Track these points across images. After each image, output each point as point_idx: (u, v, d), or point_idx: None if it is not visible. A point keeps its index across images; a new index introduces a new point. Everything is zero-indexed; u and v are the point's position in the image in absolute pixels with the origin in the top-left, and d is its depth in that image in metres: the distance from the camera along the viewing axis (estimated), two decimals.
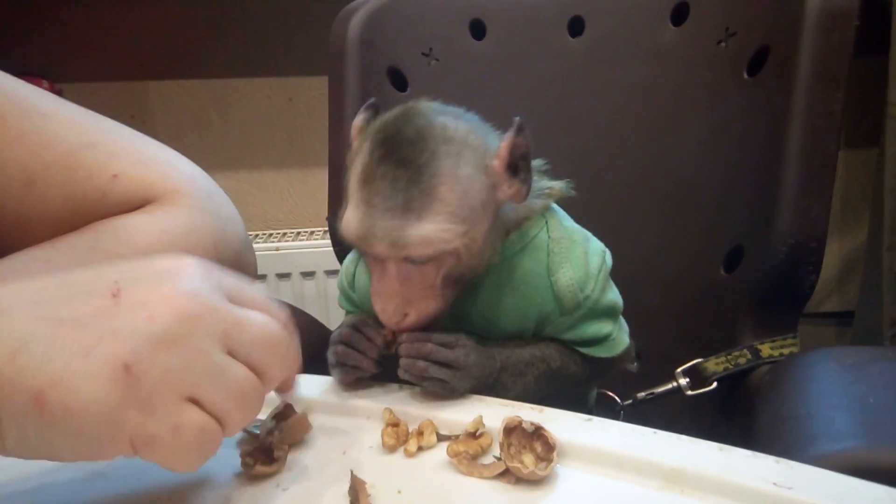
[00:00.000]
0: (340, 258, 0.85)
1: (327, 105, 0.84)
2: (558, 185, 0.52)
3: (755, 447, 0.37)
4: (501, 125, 0.81)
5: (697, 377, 0.64)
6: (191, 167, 0.64)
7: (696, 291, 0.73)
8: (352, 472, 0.36)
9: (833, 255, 1.59)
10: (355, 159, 0.44)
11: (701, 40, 0.73)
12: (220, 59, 1.50)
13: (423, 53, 0.81)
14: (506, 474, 0.36)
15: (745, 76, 0.70)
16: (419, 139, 0.42)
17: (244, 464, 0.37)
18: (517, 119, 0.44)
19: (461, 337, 0.46)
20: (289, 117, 1.54)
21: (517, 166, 0.45)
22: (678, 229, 0.75)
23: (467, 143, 0.44)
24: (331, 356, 0.48)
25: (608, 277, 0.51)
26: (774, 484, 0.33)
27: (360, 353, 0.47)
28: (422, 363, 0.44)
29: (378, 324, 0.47)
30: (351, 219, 0.43)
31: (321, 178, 1.58)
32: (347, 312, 0.56)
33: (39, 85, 1.45)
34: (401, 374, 0.45)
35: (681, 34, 0.74)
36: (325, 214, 0.86)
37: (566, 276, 0.49)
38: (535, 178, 0.49)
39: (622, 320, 0.54)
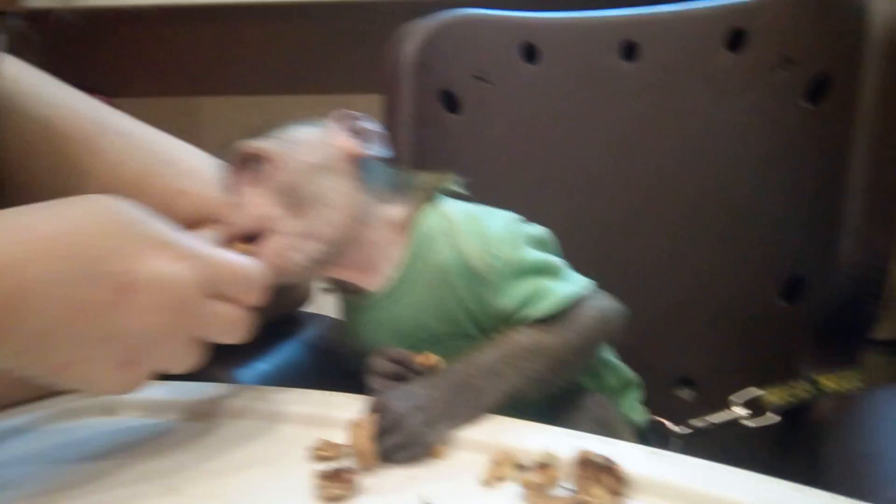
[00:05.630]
0: None
1: None
2: (432, 177, 0.56)
3: (819, 484, 0.36)
4: (553, 148, 0.82)
5: (755, 408, 0.63)
6: None
7: (752, 320, 0.72)
8: (420, 499, 0.37)
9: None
10: None
11: (758, 67, 0.73)
12: (269, 75, 1.53)
13: (475, 76, 0.82)
14: None
15: (804, 104, 0.69)
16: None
17: (320, 486, 0.38)
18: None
19: (384, 394, 0.45)
20: None
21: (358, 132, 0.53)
22: (732, 256, 0.74)
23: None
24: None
25: (525, 240, 0.52)
26: None
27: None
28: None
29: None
30: None
31: None
32: None
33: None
34: None
35: (737, 60, 0.74)
36: None
37: (468, 246, 0.51)
38: (404, 176, 0.55)
39: (569, 275, 0.53)
